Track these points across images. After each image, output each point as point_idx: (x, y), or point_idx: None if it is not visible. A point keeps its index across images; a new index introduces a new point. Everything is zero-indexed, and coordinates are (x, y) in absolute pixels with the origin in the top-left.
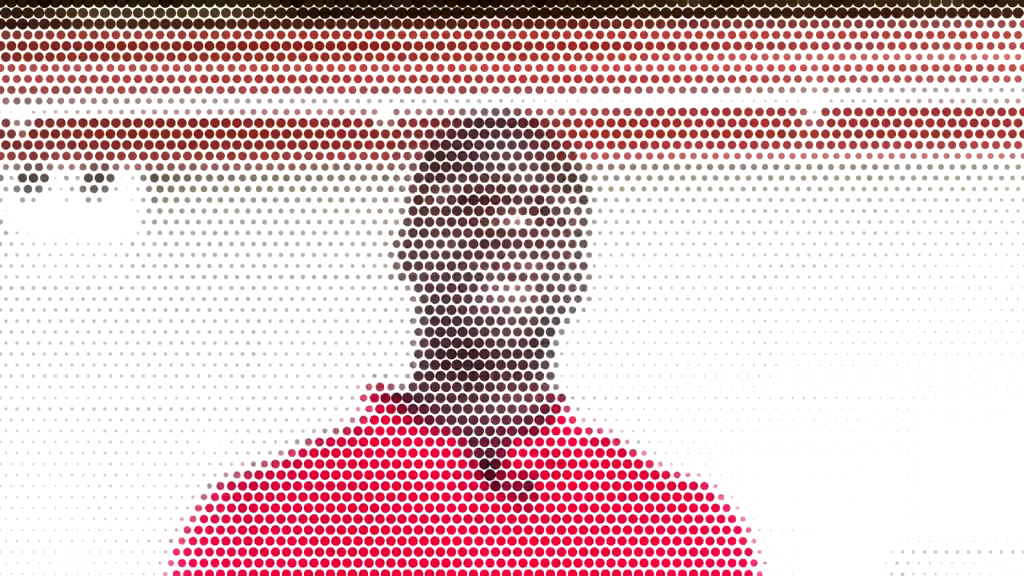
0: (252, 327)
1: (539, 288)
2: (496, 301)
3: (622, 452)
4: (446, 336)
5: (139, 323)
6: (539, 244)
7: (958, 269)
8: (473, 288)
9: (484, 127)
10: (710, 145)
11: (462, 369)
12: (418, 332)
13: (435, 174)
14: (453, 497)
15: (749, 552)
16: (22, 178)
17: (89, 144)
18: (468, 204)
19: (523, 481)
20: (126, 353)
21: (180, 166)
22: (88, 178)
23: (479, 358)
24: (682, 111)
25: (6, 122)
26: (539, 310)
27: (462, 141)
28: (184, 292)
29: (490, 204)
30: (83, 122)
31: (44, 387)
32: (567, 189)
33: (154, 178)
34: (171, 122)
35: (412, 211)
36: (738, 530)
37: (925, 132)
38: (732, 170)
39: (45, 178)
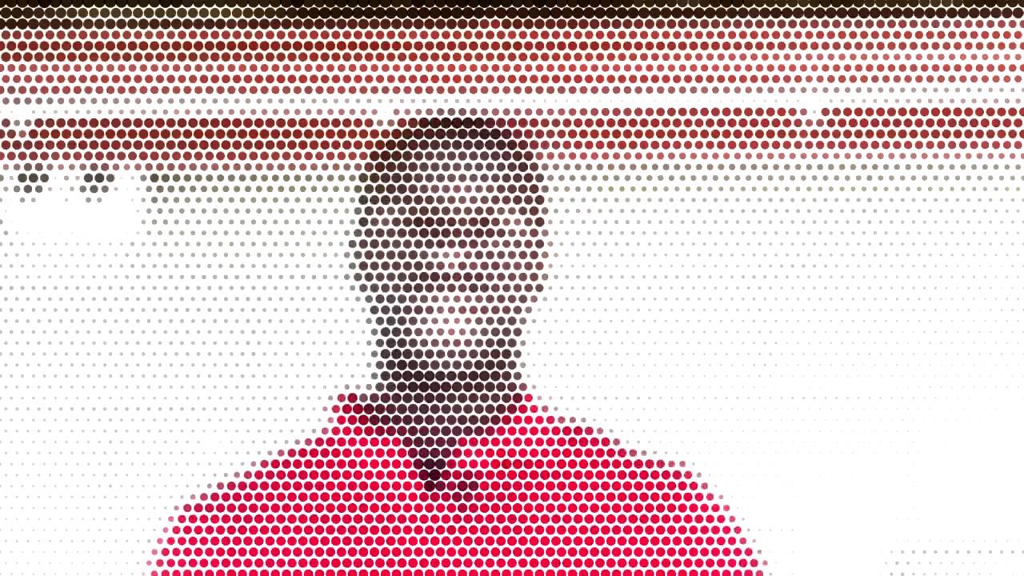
0: (253, 327)
1: (478, 322)
2: (436, 327)
3: (594, 441)
4: (397, 356)
5: (139, 323)
6: (482, 267)
7: (958, 269)
8: (413, 321)
9: (439, 128)
10: (710, 145)
11: (413, 378)
12: (378, 343)
13: (384, 184)
14: (395, 501)
15: (728, 531)
16: (22, 178)
17: (89, 144)
18: (414, 227)
19: (464, 482)
20: (125, 353)
21: (180, 166)
22: (88, 178)
23: (430, 379)
24: (682, 111)
25: (6, 122)
26: (475, 345)
27: (413, 147)
28: (184, 292)
29: (435, 227)
30: (83, 122)
31: (44, 387)
32: (521, 207)
33: (154, 178)
34: (171, 122)
35: (363, 223)
36: (716, 507)
37: (925, 132)
38: (732, 170)
39: (45, 178)
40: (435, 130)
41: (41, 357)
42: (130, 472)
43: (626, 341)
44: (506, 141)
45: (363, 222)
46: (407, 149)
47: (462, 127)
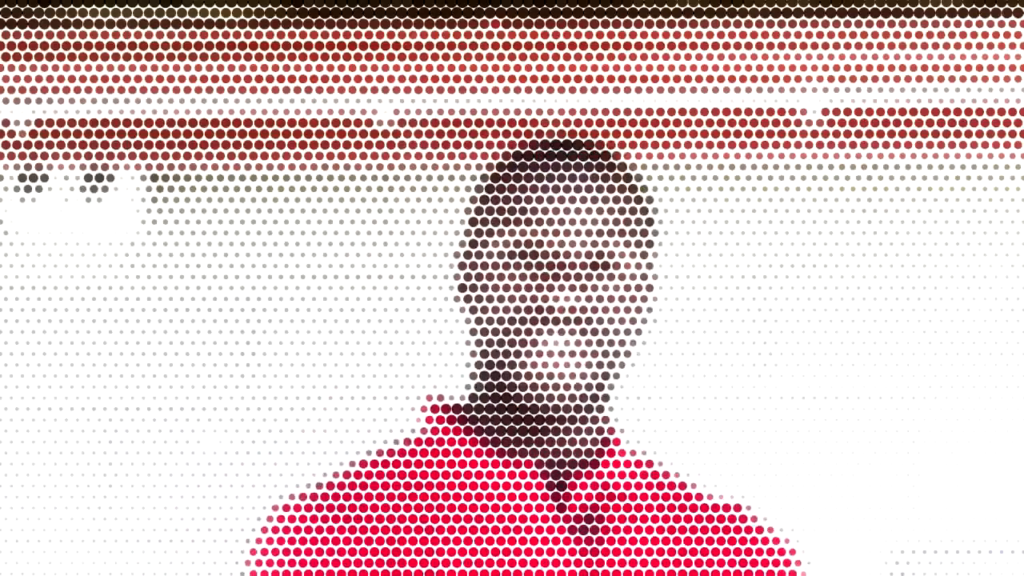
0: (253, 326)
1: (593, 353)
2: (542, 361)
3: (682, 486)
4: (496, 387)
5: (139, 323)
6: (593, 308)
7: (958, 269)
8: (519, 350)
9: (549, 153)
10: (710, 145)
11: (517, 400)
12: (482, 376)
13: (495, 216)
14: (523, 523)
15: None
16: (22, 178)
17: (89, 144)
18: (524, 257)
19: (589, 513)
20: (126, 353)
21: (180, 166)
22: (88, 178)
23: (528, 412)
24: (682, 111)
25: (6, 122)
26: (591, 375)
27: (522, 175)
28: (184, 292)
29: (548, 260)
30: (83, 122)
31: (44, 387)
32: (636, 242)
33: (154, 178)
34: (171, 122)
35: (468, 240)
36: (788, 563)
37: (925, 132)
38: (732, 170)
39: (45, 178)
40: (545, 159)
41: (41, 357)
42: (120, 470)
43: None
44: (620, 172)
45: (467, 248)
46: (519, 177)
47: (572, 150)
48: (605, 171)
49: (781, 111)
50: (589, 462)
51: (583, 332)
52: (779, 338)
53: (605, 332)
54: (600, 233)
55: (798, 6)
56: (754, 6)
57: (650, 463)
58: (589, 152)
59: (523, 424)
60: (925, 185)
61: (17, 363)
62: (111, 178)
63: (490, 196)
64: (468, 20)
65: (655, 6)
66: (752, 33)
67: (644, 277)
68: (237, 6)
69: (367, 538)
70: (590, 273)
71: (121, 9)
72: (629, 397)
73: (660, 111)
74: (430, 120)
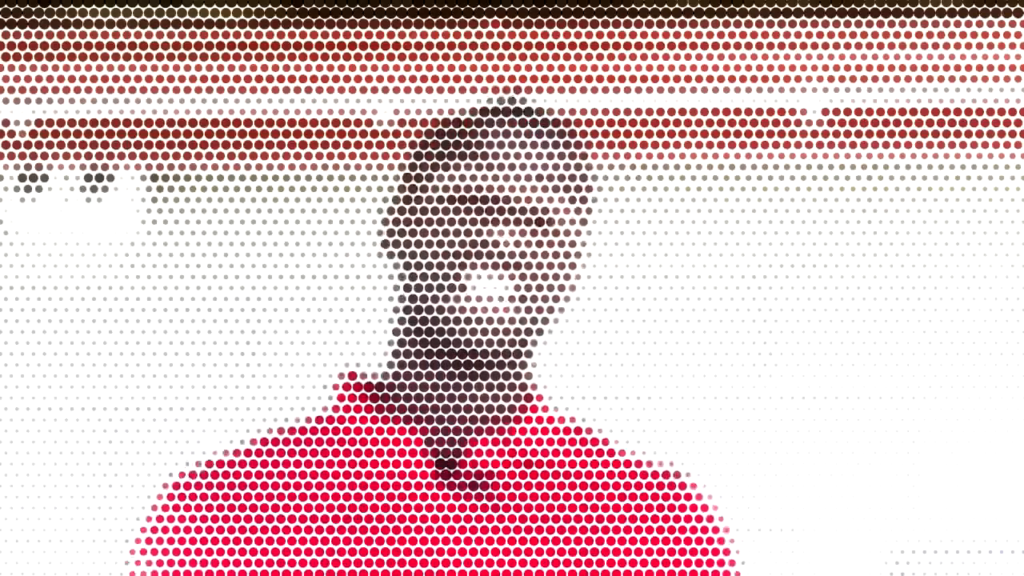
0: (253, 327)
1: (522, 298)
2: (476, 303)
3: (595, 442)
4: (424, 328)
5: (139, 323)
6: (531, 255)
7: (958, 269)
8: (453, 288)
9: (491, 116)
10: (710, 145)
11: (437, 362)
12: (399, 321)
13: (435, 162)
14: (408, 491)
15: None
16: (22, 178)
17: (89, 144)
18: (464, 203)
19: (479, 479)
20: (126, 353)
21: (180, 166)
22: (88, 178)
23: (455, 357)
24: (682, 111)
25: (6, 122)
26: (520, 320)
27: (467, 130)
28: (184, 292)
29: (488, 204)
30: (83, 122)
31: (44, 387)
32: (572, 198)
33: (154, 178)
34: (171, 122)
35: (406, 193)
36: (711, 519)
37: (925, 132)
38: (732, 170)
39: (45, 178)
40: (493, 117)
41: (41, 357)
42: (122, 472)
43: (625, 341)
44: (564, 133)
45: (403, 197)
46: (466, 129)
47: (521, 115)
48: (549, 128)
49: (781, 111)
50: (501, 419)
51: (521, 276)
52: (779, 338)
53: (538, 279)
54: (537, 188)
55: (798, 6)
56: (754, 6)
57: (572, 420)
58: (534, 110)
59: (429, 386)
60: (925, 185)
61: (17, 363)
62: (111, 178)
63: (431, 147)
64: (468, 20)
65: (655, 6)
66: (752, 33)
67: (579, 233)
68: (237, 6)
69: (257, 516)
70: (528, 221)
71: (121, 9)
72: (625, 397)
73: (660, 111)
74: (430, 120)
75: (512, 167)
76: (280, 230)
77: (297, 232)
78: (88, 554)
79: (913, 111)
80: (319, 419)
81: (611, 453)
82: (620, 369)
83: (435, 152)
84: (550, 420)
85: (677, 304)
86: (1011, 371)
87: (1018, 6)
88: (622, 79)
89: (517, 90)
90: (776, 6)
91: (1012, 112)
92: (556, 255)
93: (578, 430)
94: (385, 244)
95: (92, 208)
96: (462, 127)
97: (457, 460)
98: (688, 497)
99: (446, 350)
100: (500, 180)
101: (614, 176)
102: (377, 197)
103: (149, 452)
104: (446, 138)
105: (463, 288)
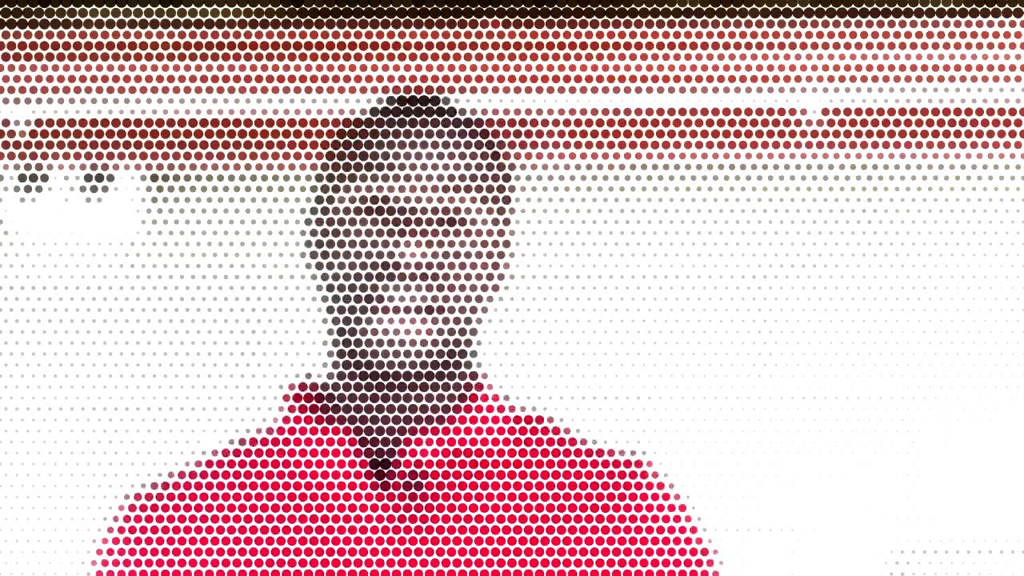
0: (253, 327)
1: (439, 309)
2: (388, 316)
3: (546, 431)
4: (352, 344)
5: (139, 323)
6: (430, 276)
7: (958, 269)
8: (369, 301)
9: (399, 115)
10: (710, 145)
11: (368, 367)
12: (331, 335)
13: (341, 170)
14: (343, 496)
15: (684, 529)
16: (22, 178)
17: (89, 144)
18: (372, 212)
19: (413, 479)
20: (126, 353)
21: (180, 166)
22: (88, 178)
23: (380, 377)
24: (682, 111)
25: (6, 122)
26: (438, 332)
27: (372, 130)
28: (184, 292)
29: (396, 214)
30: (83, 122)
31: (44, 387)
32: (485, 198)
33: (154, 178)
34: (171, 122)
35: (321, 201)
36: (672, 506)
37: (925, 132)
38: (732, 170)
39: (45, 178)
40: (399, 113)
41: (41, 357)
42: (123, 472)
43: (625, 342)
44: (476, 130)
45: (319, 210)
46: (369, 134)
47: (426, 106)
48: (460, 127)
49: (781, 111)
50: (437, 417)
51: (428, 288)
52: (778, 338)
53: (452, 289)
54: (449, 188)
55: (798, 6)
56: (754, 6)
57: (522, 409)
58: (444, 108)
59: (364, 392)
60: (925, 185)
61: (17, 363)
62: (111, 178)
63: (339, 153)
64: (468, 20)
65: (655, 6)
66: (752, 33)
67: (500, 234)
68: (237, 6)
69: (212, 536)
70: (440, 228)
71: (121, 9)
72: (625, 400)
73: (660, 111)
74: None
75: (421, 169)
76: (280, 230)
77: (297, 232)
78: (78, 554)
79: (913, 111)
80: (269, 430)
81: (563, 442)
82: (615, 371)
83: (343, 156)
84: (497, 410)
85: (677, 304)
86: (1011, 371)
87: (1018, 6)
88: (622, 79)
89: (429, 90)
90: (776, 6)
91: (1012, 112)
92: (471, 257)
93: (528, 419)
94: (313, 254)
95: (92, 208)
96: (369, 127)
97: (391, 460)
98: (650, 487)
99: (374, 361)
100: (408, 185)
101: (614, 176)
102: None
103: (149, 452)
104: (353, 139)
105: (376, 304)
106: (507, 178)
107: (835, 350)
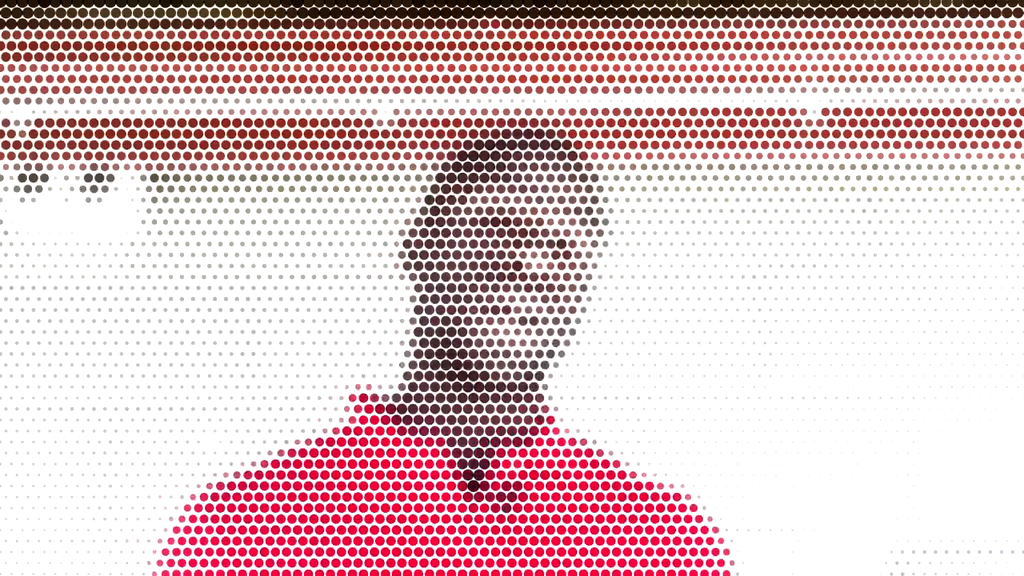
0: (252, 327)
1: (538, 332)
2: (499, 326)
3: (605, 463)
4: (440, 349)
5: (139, 323)
6: (548, 287)
7: (958, 269)
8: (468, 321)
9: (515, 140)
10: (710, 145)
11: (450, 384)
12: (414, 337)
13: (458, 184)
14: (436, 506)
15: (722, 563)
16: (22, 178)
17: (89, 144)
18: (488, 224)
19: (507, 492)
20: (126, 353)
21: (180, 166)
22: (88, 178)
23: (468, 380)
24: (682, 111)
25: (6, 122)
26: (532, 352)
27: (490, 153)
28: (184, 292)
29: (514, 227)
30: (83, 122)
31: (44, 387)
32: (588, 225)
33: (154, 178)
34: (171, 122)
35: (427, 212)
36: (711, 540)
37: (925, 132)
38: (732, 170)
39: (45, 178)
40: (509, 141)
41: (41, 357)
42: (132, 472)
43: (625, 342)
44: (580, 162)
45: (426, 217)
46: (488, 152)
47: (537, 139)
48: (567, 160)
49: (781, 111)
50: (522, 440)
51: (543, 299)
52: (778, 338)
53: (564, 302)
54: (560, 212)
55: (798, 6)
56: (754, 6)
57: (584, 441)
58: (552, 141)
59: (447, 403)
60: (925, 185)
61: (17, 363)
62: (111, 178)
63: (456, 169)
64: (468, 20)
65: (655, 6)
66: (752, 33)
67: (594, 258)
68: (237, 6)
69: (283, 528)
70: (552, 244)
71: (121, 9)
72: (623, 403)
73: (660, 111)
74: (430, 120)
75: (535, 190)
76: (280, 230)
77: (297, 232)
78: (85, 555)
79: (913, 111)
80: (336, 431)
81: (622, 475)
82: (620, 371)
83: (459, 174)
84: (560, 442)
85: (677, 304)
86: (1011, 371)
87: (1018, 6)
88: (622, 79)
89: (534, 123)
90: (776, 6)
91: (1012, 112)
92: (573, 279)
93: (588, 452)
94: (407, 266)
95: (92, 208)
96: (484, 150)
97: (484, 473)
98: (688, 520)
99: (461, 373)
100: (524, 203)
101: (614, 176)
102: (377, 197)
103: (149, 452)
104: (469, 160)
105: (492, 313)
106: (605, 206)
107: (835, 350)
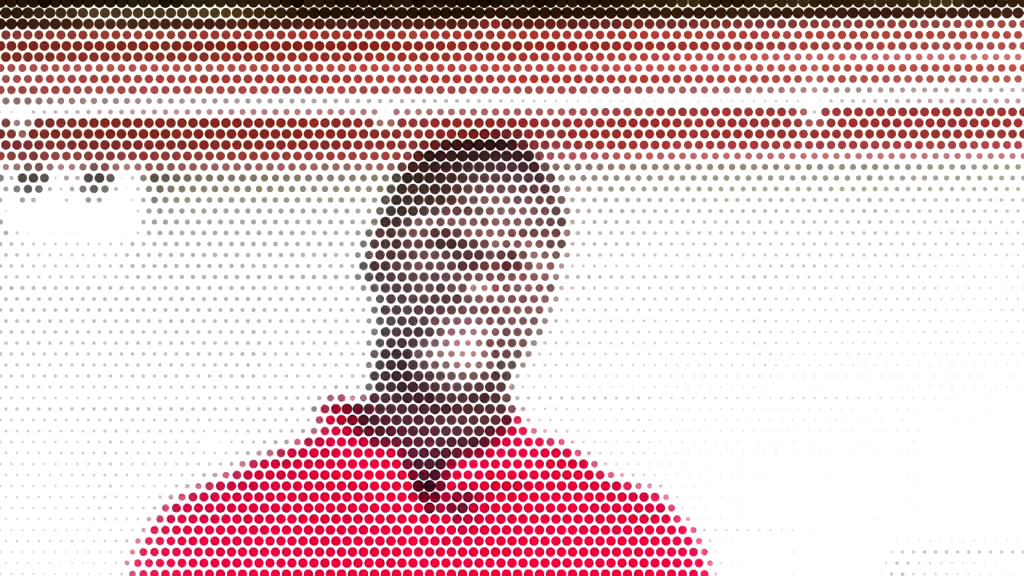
0: (253, 327)
1: (499, 342)
2: (445, 348)
3: (573, 463)
4: (399, 363)
5: (139, 323)
6: (494, 310)
7: (958, 269)
8: (429, 333)
9: (466, 151)
10: (710, 145)
11: (411, 394)
12: (378, 352)
13: (412, 203)
14: (389, 515)
15: (700, 563)
16: (22, 178)
17: (89, 144)
18: (437, 246)
19: (462, 495)
20: (125, 353)
21: (180, 166)
22: (88, 178)
23: (428, 392)
24: (682, 111)
25: (6, 122)
26: (488, 364)
27: (440, 165)
28: (184, 292)
29: (461, 248)
30: (83, 122)
31: (44, 387)
32: (547, 241)
33: (154, 178)
34: (171, 122)
35: (387, 227)
36: (688, 541)
37: (925, 132)
38: (732, 170)
39: (45, 178)
40: (469, 155)
41: (41, 357)
42: (122, 472)
43: (626, 342)
44: (539, 170)
45: (385, 231)
46: (440, 167)
47: (495, 149)
48: (527, 171)
49: (781, 111)
50: (488, 441)
51: (489, 322)
52: (778, 338)
53: (511, 322)
54: (514, 232)
55: (798, 6)
56: (754, 6)
57: (551, 441)
58: (512, 152)
59: (408, 413)
60: (925, 185)
61: (17, 363)
62: (111, 178)
63: (411, 183)
64: (468, 20)
65: (655, 6)
66: (752, 33)
67: (555, 277)
68: (237, 6)
69: (246, 538)
70: (504, 266)
71: (121, 9)
72: (620, 403)
73: (660, 111)
74: (430, 120)
75: (489, 210)
76: (280, 230)
77: (297, 232)
78: (86, 554)
79: (913, 111)
80: (308, 441)
81: (591, 475)
82: (609, 371)
83: (405, 194)
84: (528, 442)
85: (677, 304)
86: (1011, 371)
87: (1018, 6)
88: (622, 79)
89: (495, 134)
90: (776, 6)
91: (1012, 112)
92: (528, 299)
93: (556, 452)
94: (368, 276)
95: (92, 208)
96: (435, 161)
97: (436, 482)
98: (666, 520)
99: (419, 384)
100: (475, 223)
101: (614, 176)
102: (377, 197)
103: (149, 452)
104: (422, 172)
105: (438, 335)
106: (564, 222)
107: (835, 350)
